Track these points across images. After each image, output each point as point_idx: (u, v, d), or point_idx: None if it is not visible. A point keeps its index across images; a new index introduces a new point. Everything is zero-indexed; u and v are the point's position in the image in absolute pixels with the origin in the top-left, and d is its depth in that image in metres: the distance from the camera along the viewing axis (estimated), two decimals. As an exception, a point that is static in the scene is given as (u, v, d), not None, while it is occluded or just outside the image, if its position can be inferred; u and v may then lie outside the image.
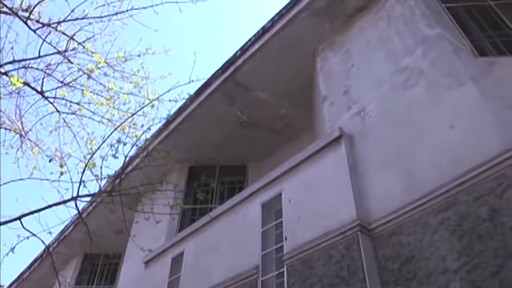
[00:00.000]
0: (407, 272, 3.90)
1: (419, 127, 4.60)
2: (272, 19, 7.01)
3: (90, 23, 5.36)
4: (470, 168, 3.85)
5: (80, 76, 5.51)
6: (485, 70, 4.53)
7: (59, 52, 5.28)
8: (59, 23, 5.18)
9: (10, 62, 5.15)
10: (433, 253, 3.79)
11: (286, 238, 5.14)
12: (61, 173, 5.12)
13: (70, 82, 5.47)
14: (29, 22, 4.99)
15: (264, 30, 7.11)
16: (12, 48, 5.16)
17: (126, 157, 5.31)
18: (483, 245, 3.48)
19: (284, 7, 6.85)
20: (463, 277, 3.48)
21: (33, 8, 4.94)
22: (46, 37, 5.15)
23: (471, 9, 5.76)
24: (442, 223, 3.85)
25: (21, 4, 4.88)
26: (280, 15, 6.88)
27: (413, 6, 5.59)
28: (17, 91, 5.44)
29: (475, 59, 4.74)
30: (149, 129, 5.60)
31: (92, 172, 5.07)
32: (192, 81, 5.55)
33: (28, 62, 5.30)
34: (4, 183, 4.84)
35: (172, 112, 6.71)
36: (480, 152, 3.86)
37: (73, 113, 5.57)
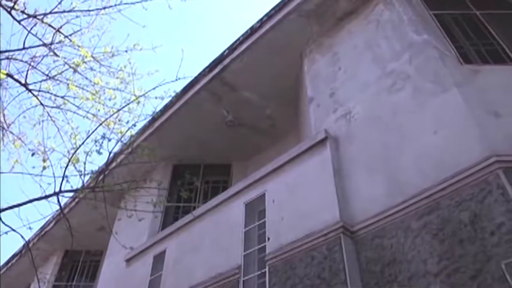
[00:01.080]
0: (388, 274, 3.94)
1: (404, 131, 4.65)
2: (261, 19, 7.01)
3: (77, 16, 5.29)
4: (453, 173, 3.91)
5: (66, 70, 5.44)
6: (469, 77, 4.61)
7: (44, 45, 5.20)
8: (45, 15, 5.09)
9: (-8, 53, 5.06)
10: (415, 256, 3.84)
11: (269, 239, 5.14)
12: (44, 168, 5.03)
13: (56, 75, 5.39)
14: (13, 12, 4.89)
15: (252, 30, 7.10)
16: (-6, 38, 5.07)
17: (110, 153, 5.25)
18: (463, 250, 3.54)
19: (273, 8, 6.86)
20: (443, 280, 3.53)
21: (18, -2, 4.86)
22: (31, 28, 5.07)
23: (457, 17, 5.86)
24: (424, 227, 3.90)
25: (5, -6, 4.80)
26: (269, 15, 6.89)
27: (401, 12, 5.65)
28: (-1, 82, 5.35)
29: (460, 66, 4.82)
30: (134, 125, 5.55)
31: (75, 168, 5.00)
32: (179, 78, 5.51)
33: (12, 53, 5.21)
34: (-16, 176, 4.76)
35: (158, 109, 6.66)
36: (463, 158, 3.92)
37: (57, 107, 5.48)
